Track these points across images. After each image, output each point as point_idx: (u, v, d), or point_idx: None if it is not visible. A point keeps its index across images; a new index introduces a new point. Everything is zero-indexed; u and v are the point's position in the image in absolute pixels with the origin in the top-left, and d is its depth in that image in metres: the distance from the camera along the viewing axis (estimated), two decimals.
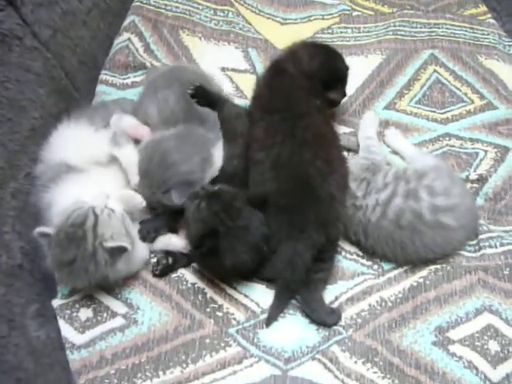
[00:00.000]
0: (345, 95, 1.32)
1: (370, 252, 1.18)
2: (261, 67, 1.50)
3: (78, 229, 1.06)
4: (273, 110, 1.19)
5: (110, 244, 1.06)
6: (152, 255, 1.20)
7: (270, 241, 1.10)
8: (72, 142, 1.18)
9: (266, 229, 1.10)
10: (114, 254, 1.07)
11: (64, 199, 1.09)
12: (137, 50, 1.51)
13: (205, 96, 1.23)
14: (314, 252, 1.07)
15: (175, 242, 1.19)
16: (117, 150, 1.18)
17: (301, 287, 1.11)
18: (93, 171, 1.17)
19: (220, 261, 1.07)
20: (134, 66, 1.48)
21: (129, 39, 1.52)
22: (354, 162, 1.23)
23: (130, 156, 1.18)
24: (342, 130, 1.37)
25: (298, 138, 1.13)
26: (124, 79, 1.47)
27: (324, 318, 1.11)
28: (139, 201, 1.15)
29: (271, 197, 1.10)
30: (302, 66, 1.25)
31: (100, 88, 1.45)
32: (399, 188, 1.14)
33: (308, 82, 1.23)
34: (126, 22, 1.57)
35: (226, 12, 1.62)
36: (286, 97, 1.21)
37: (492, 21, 1.62)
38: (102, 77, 1.47)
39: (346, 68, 1.30)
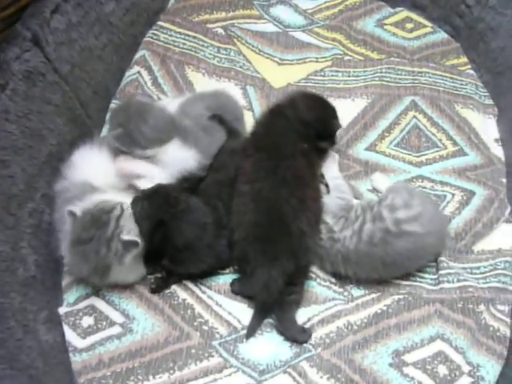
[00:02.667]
0: (334, 144, 1.44)
1: (354, 278, 1.29)
2: (257, 104, 1.62)
3: (104, 215, 1.19)
4: (262, 148, 1.31)
5: (126, 237, 1.19)
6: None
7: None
8: (96, 165, 1.31)
9: (204, 208, 1.26)
10: (126, 247, 1.19)
11: None
12: (145, 83, 1.63)
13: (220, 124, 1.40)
14: (285, 278, 1.18)
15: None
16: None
17: (276, 308, 1.23)
18: (113, 194, 1.28)
19: (174, 245, 1.22)
20: None
21: (138, 72, 1.65)
22: (332, 202, 1.33)
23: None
24: None
25: (279, 177, 1.24)
26: None
27: (295, 335, 1.22)
28: None
29: (250, 227, 1.23)
30: (299, 114, 1.36)
31: None
32: (367, 216, 1.26)
33: (302, 128, 1.35)
34: (137, 56, 1.69)
35: (229, 50, 1.74)
36: (277, 138, 1.32)
37: (471, 71, 1.73)
38: (113, 106, 1.58)
39: (338, 121, 1.42)
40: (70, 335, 1.24)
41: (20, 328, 1.11)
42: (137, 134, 1.30)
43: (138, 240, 1.20)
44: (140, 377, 1.19)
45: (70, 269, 1.25)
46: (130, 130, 1.30)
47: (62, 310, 1.26)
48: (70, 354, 1.21)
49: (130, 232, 1.21)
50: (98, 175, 1.31)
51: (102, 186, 1.29)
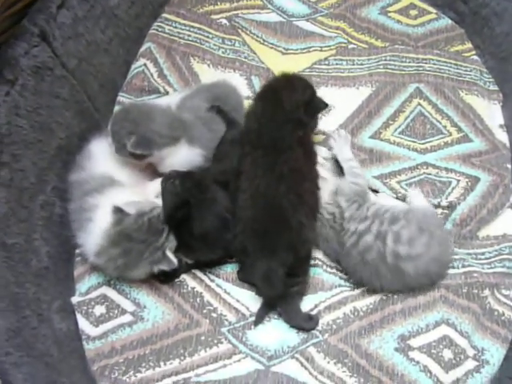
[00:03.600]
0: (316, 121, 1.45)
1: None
2: None
3: (161, 224, 1.23)
4: (258, 146, 1.30)
5: (170, 255, 1.22)
6: None
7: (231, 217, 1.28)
8: (116, 158, 1.32)
9: (228, 202, 1.29)
10: (164, 262, 1.23)
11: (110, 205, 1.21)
12: (152, 75, 1.64)
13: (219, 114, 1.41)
14: (285, 270, 1.18)
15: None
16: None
17: (280, 300, 1.24)
18: (133, 189, 1.30)
19: (190, 231, 1.24)
20: (149, 90, 1.60)
21: (145, 65, 1.66)
22: (346, 185, 1.32)
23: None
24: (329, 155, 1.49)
25: (276, 173, 1.24)
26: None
27: (302, 324, 1.24)
28: None
29: (248, 222, 1.24)
30: (298, 95, 1.35)
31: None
32: (374, 226, 1.24)
33: (299, 112, 1.34)
34: (143, 49, 1.69)
35: (233, 41, 1.74)
36: (274, 131, 1.31)
37: (476, 57, 1.72)
38: (120, 99, 1.60)
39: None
40: (83, 324, 1.27)
41: (35, 317, 1.14)
42: (150, 134, 1.30)
43: (176, 263, 1.24)
44: (151, 363, 1.22)
45: (97, 254, 1.22)
46: (142, 133, 1.29)
47: (74, 300, 1.29)
48: (84, 342, 1.24)
49: (171, 249, 1.25)
50: (119, 168, 1.32)
51: (122, 180, 1.31)
